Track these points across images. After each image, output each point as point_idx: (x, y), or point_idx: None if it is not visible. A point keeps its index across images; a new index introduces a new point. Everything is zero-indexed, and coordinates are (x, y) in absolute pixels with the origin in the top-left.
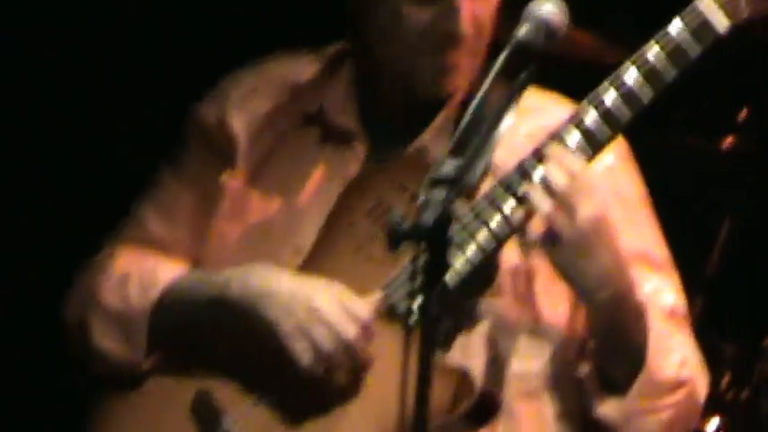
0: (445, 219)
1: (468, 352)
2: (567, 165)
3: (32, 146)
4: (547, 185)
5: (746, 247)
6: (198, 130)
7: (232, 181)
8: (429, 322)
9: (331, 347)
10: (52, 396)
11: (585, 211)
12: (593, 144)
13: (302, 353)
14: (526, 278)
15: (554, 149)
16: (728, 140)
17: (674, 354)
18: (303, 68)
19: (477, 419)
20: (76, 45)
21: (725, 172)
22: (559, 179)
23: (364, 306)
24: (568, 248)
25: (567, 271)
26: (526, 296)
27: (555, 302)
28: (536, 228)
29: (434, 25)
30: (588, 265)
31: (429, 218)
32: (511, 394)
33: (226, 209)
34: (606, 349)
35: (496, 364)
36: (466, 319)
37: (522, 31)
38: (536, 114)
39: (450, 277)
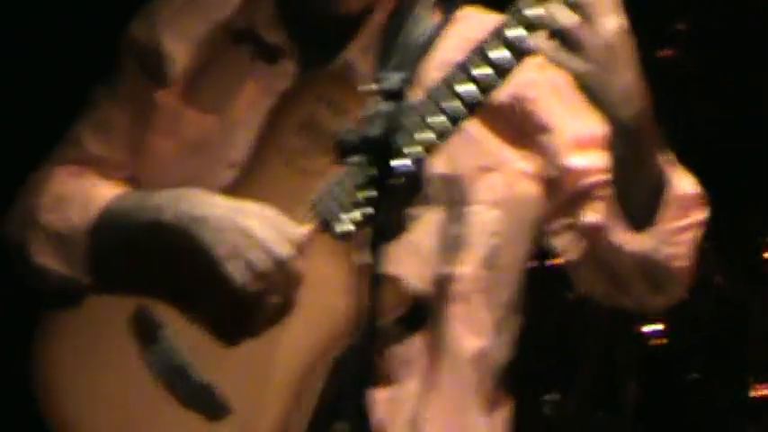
0: (392, 131)
1: (398, 259)
2: None
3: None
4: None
5: (684, 152)
6: (131, 48)
7: (166, 98)
8: (377, 234)
9: (265, 266)
10: None
11: (610, 22)
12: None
13: (237, 273)
14: (454, 186)
15: None
16: (668, 52)
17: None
18: None
19: (410, 325)
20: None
21: (664, 82)
22: None
23: (295, 226)
24: (593, 61)
25: (592, 86)
26: (454, 204)
27: (486, 209)
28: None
29: None
30: (613, 79)
31: (376, 130)
32: (440, 297)
33: (160, 126)
34: (632, 176)
35: (426, 270)
36: (396, 227)
37: None
38: (459, 25)
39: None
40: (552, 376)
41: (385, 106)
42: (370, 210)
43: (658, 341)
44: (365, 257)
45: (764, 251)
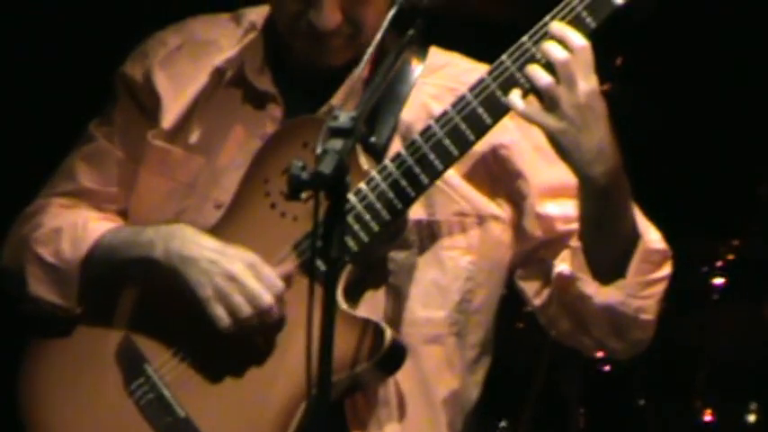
0: (343, 168)
1: (376, 303)
2: (568, 40)
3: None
4: (548, 60)
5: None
6: (125, 86)
7: (157, 137)
8: (331, 266)
9: (247, 313)
10: None
11: (584, 84)
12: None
13: (220, 316)
14: (430, 232)
15: (554, 26)
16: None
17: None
18: (224, 31)
19: (387, 368)
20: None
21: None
22: (560, 53)
23: (277, 275)
24: (567, 120)
25: (564, 144)
26: (431, 249)
27: (461, 254)
28: (533, 101)
29: (302, 15)
30: (586, 138)
31: (327, 167)
32: (416, 340)
33: (151, 164)
34: (602, 231)
35: (401, 313)
36: (374, 272)
37: None
38: (440, 74)
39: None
40: (501, 403)
41: (335, 143)
42: (352, 252)
43: (606, 366)
44: (344, 302)
45: (711, 277)
